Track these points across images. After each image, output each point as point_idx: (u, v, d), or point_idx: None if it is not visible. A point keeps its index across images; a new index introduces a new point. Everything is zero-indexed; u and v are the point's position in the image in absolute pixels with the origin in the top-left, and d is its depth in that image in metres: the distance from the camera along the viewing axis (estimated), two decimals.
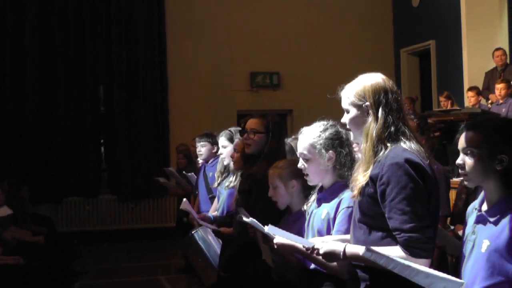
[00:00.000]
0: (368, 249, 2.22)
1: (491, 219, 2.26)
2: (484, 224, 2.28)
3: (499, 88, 9.18)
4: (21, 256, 6.45)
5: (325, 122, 3.18)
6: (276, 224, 3.28)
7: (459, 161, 2.33)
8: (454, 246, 2.97)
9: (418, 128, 4.28)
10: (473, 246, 2.29)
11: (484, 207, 2.32)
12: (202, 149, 6.40)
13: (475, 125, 2.33)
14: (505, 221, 2.20)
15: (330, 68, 11.48)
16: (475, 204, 2.40)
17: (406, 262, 2.21)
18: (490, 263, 2.19)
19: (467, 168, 2.31)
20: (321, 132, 3.12)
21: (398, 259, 2.22)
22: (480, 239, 2.26)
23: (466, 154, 2.31)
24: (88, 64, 11.07)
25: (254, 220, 3.15)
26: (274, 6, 12.02)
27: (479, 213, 2.33)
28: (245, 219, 3.24)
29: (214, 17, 11.74)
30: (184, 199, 5.37)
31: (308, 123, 3.23)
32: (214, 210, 5.54)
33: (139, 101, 11.27)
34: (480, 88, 9.83)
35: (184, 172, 7.71)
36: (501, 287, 2.19)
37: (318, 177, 3.12)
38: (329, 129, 3.14)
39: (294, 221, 3.44)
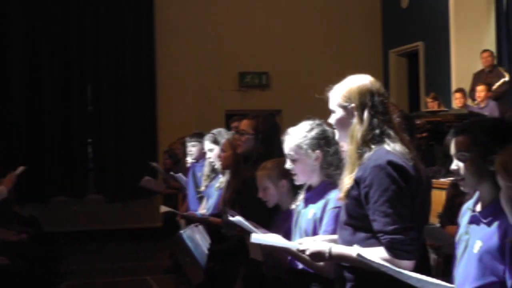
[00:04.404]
0: (360, 255, 2.28)
1: (485, 220, 2.25)
2: (478, 224, 2.28)
3: (479, 90, 9.27)
4: (6, 257, 6.40)
5: (311, 122, 3.16)
6: (268, 223, 3.30)
7: (453, 167, 2.32)
8: (451, 245, 2.97)
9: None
10: (466, 247, 2.29)
11: (478, 207, 2.32)
12: (192, 148, 6.32)
13: (463, 129, 2.32)
14: (498, 222, 2.19)
15: (318, 69, 11.47)
16: (469, 204, 2.39)
17: (397, 269, 2.25)
18: (482, 264, 2.19)
19: (461, 173, 2.30)
20: (306, 132, 3.11)
21: (390, 266, 2.25)
22: (473, 240, 2.26)
23: (458, 159, 2.30)
24: (75, 63, 10.99)
25: (241, 219, 3.13)
26: (263, 6, 12.00)
27: (473, 214, 2.32)
28: (231, 218, 3.22)
29: (203, 17, 11.70)
30: (161, 205, 5.40)
31: (297, 123, 3.22)
32: (203, 210, 5.55)
33: (127, 100, 11.20)
34: (468, 89, 9.88)
35: (171, 172, 7.65)
36: (492, 287, 2.18)
37: (305, 176, 3.11)
38: (315, 129, 3.12)
39: (284, 220, 3.43)
